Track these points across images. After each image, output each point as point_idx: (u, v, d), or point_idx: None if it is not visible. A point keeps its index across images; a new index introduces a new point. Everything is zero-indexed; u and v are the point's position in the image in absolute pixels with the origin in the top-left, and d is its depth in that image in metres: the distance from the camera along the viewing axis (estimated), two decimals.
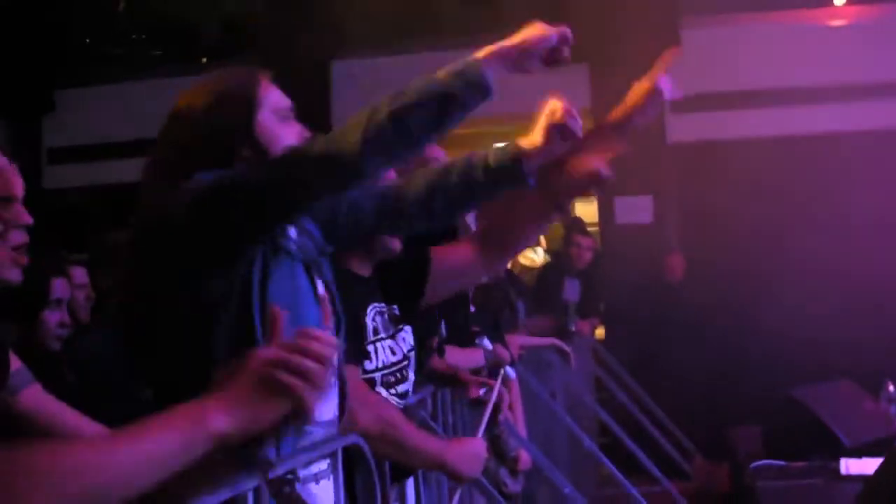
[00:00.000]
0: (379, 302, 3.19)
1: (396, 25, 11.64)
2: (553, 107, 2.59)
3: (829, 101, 10.31)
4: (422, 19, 11.73)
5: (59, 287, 3.71)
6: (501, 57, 2.34)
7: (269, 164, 2.27)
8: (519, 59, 2.38)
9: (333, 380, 2.41)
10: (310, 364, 1.58)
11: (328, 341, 1.62)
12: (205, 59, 12.58)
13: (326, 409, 2.40)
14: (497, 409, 4.32)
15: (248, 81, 2.43)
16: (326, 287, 2.45)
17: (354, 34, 11.59)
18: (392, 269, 3.20)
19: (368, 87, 11.00)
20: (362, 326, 3.07)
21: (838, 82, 10.32)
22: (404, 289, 3.22)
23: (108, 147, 11.54)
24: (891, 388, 8.06)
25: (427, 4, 11.74)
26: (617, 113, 2.90)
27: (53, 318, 3.69)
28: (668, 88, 2.95)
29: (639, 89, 2.90)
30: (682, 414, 9.29)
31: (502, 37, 2.44)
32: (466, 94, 2.25)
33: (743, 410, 8.96)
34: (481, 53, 2.32)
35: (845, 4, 11.06)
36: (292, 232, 2.37)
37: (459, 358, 4.62)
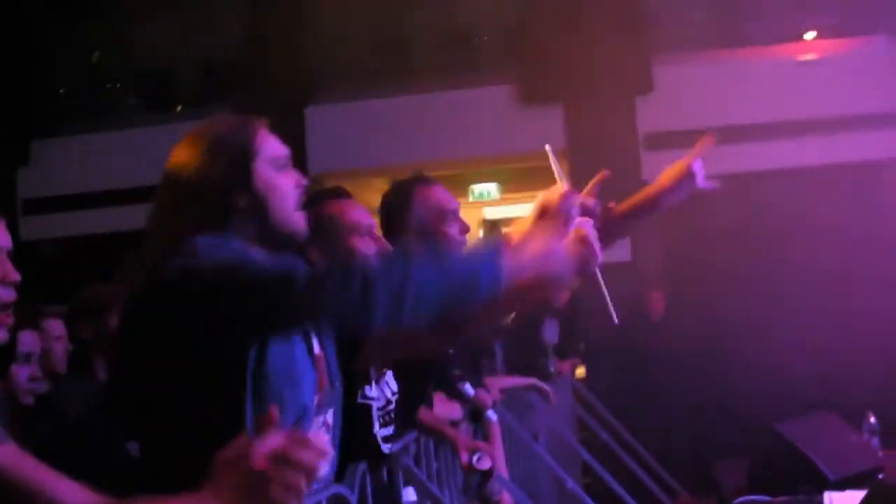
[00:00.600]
0: None
1: (370, 70, 11.70)
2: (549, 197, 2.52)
3: (807, 134, 10.38)
4: (396, 63, 11.79)
5: (27, 340, 3.66)
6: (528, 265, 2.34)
7: (282, 281, 2.16)
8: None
9: (329, 439, 2.42)
10: (298, 479, 1.61)
11: (319, 451, 1.64)
12: (180, 107, 12.59)
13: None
14: (490, 475, 4.34)
15: (242, 131, 2.40)
16: (322, 345, 2.44)
17: (329, 79, 11.63)
18: None
19: (343, 132, 11.09)
20: None
21: (815, 116, 10.40)
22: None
23: (85, 197, 11.51)
24: (872, 419, 8.07)
25: (401, 48, 11.81)
26: (649, 192, 2.95)
27: (23, 372, 3.64)
28: (702, 173, 3.01)
29: (674, 170, 2.96)
30: (665, 451, 9.26)
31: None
32: (481, 288, 2.23)
33: (726, 446, 8.95)
34: (512, 249, 2.29)
35: (815, 39, 11.17)
36: None
37: (439, 410, 4.61)
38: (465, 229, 3.64)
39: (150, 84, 12.68)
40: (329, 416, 2.48)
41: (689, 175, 2.98)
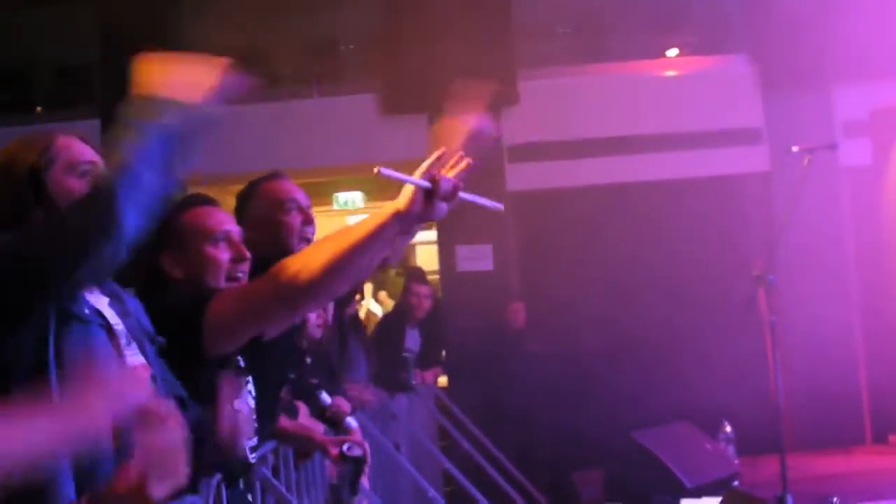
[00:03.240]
0: None
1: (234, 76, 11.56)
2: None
3: (664, 149, 10.58)
4: (260, 70, 11.67)
5: None
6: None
7: (34, 234, 2.20)
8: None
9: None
10: (169, 462, 1.61)
11: (171, 426, 1.62)
12: (39, 108, 12.30)
13: None
14: (363, 462, 4.31)
15: (35, 143, 2.40)
16: (148, 364, 2.40)
17: None
18: None
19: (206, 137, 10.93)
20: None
21: (672, 131, 10.62)
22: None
23: None
24: (728, 428, 8.28)
25: (265, 56, 11.69)
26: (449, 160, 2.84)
27: None
28: (488, 126, 2.90)
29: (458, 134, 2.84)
30: (526, 460, 9.33)
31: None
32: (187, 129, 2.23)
33: (586, 454, 9.08)
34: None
35: (677, 56, 11.41)
36: (88, 298, 2.32)
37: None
38: (307, 220, 3.63)
39: (7, 85, 12.36)
40: None
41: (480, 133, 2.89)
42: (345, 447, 4.31)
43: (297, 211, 3.63)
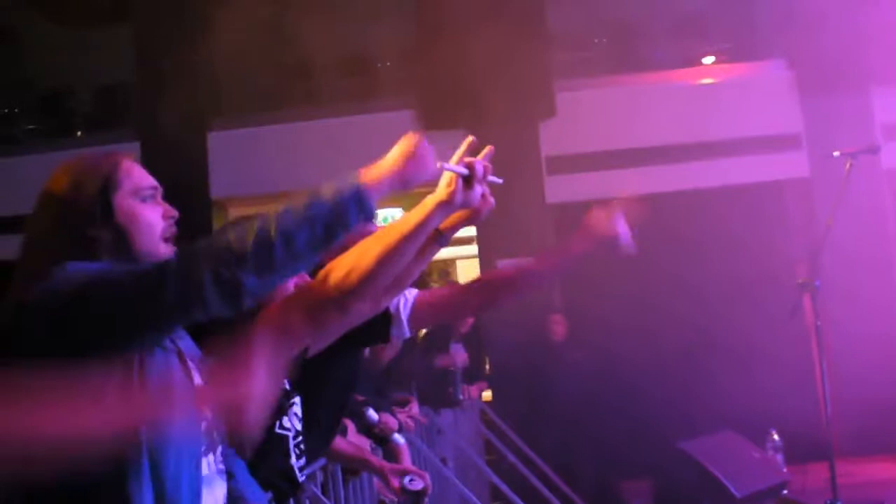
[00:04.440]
0: None
1: (273, 94, 11.63)
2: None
3: (702, 157, 10.55)
4: (296, 89, 11.73)
5: None
6: (385, 184, 2.35)
7: (134, 280, 2.17)
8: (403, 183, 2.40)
9: (221, 467, 2.38)
10: None
11: None
12: (80, 132, 12.41)
13: (212, 497, 2.35)
14: (423, 495, 4.33)
15: (103, 165, 2.40)
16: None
17: (230, 104, 11.54)
18: None
19: (244, 158, 11.00)
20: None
21: (710, 139, 10.58)
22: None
23: None
24: (775, 436, 8.22)
25: (301, 74, 11.76)
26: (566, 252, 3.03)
27: None
28: (626, 236, 3.09)
29: (594, 230, 3.02)
30: (572, 472, 9.31)
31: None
32: (353, 216, 2.24)
33: (632, 465, 9.04)
34: (366, 177, 2.31)
35: (713, 63, 11.38)
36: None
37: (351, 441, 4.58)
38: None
39: (48, 109, 12.49)
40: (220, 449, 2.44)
41: (611, 239, 3.06)
42: (406, 480, 4.34)
43: None
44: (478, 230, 10.44)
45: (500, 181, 2.73)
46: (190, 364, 2.37)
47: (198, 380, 2.37)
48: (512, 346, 9.89)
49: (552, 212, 10.59)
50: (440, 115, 10.41)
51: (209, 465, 2.35)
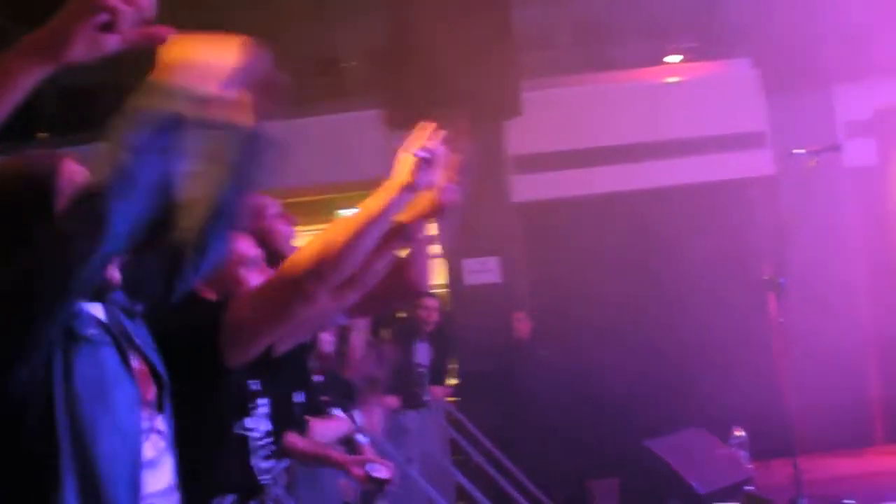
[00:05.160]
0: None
1: None
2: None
3: (668, 156, 10.59)
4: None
5: None
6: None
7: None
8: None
9: (165, 446, 2.35)
10: None
11: None
12: (45, 134, 12.33)
13: (159, 478, 2.33)
14: (387, 483, 4.32)
15: (41, 166, 2.33)
16: (143, 357, 2.38)
17: None
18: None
19: None
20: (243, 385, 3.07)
21: (677, 137, 10.62)
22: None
23: None
24: (739, 433, 8.25)
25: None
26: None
27: None
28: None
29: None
30: (539, 472, 9.31)
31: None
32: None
33: (599, 464, 9.07)
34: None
35: (680, 62, 11.42)
36: (90, 312, 2.29)
37: (323, 431, 4.56)
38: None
39: (11, 111, 12.38)
40: (160, 423, 2.41)
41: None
42: (368, 468, 4.32)
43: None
44: (441, 229, 10.43)
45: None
46: (128, 350, 2.32)
47: (137, 364, 2.33)
48: (479, 345, 9.88)
49: (517, 211, 10.60)
50: (407, 115, 10.38)
51: (153, 446, 2.32)
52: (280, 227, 3.70)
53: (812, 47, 10.11)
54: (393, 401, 7.16)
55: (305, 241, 2.88)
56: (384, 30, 11.07)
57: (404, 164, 2.73)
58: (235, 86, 2.24)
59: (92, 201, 2.04)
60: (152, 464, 2.29)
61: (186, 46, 2.15)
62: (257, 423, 3.24)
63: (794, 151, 6.64)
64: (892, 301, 10.03)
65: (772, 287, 6.78)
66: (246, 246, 3.14)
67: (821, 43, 10.06)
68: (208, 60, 2.17)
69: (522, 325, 9.98)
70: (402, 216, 2.98)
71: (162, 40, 2.08)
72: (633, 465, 7.30)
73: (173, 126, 2.09)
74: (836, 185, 9.91)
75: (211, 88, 2.14)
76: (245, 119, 2.43)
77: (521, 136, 10.65)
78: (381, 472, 4.32)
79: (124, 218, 2.05)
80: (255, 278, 3.09)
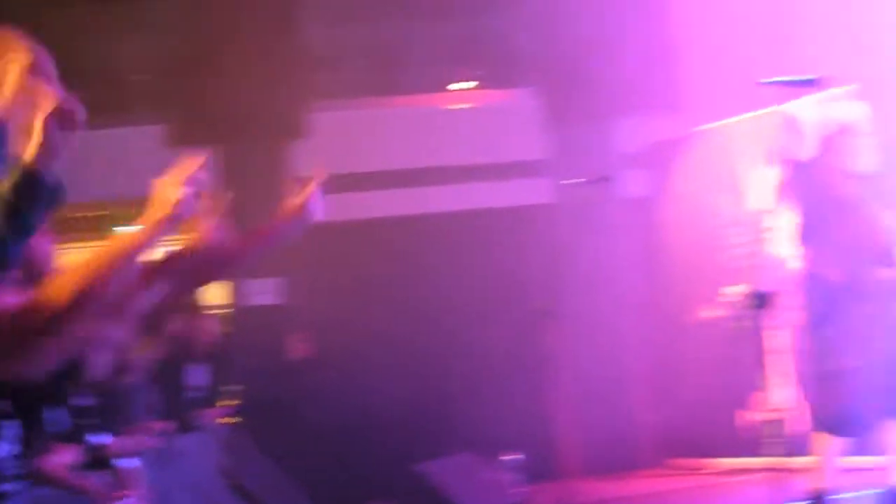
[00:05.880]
0: None
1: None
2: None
3: (452, 181, 10.72)
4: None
5: None
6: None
7: None
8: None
9: None
10: None
11: None
12: None
13: None
14: None
15: None
16: None
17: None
18: None
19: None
20: None
21: (460, 163, 10.77)
22: None
23: None
24: (510, 457, 8.40)
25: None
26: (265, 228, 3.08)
27: None
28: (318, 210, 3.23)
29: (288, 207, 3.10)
30: (317, 496, 9.26)
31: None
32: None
33: (375, 488, 9.07)
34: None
35: (465, 90, 11.60)
36: None
37: (75, 456, 4.44)
38: None
39: None
40: None
41: (303, 213, 3.19)
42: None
43: None
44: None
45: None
46: None
47: None
48: (259, 367, 9.78)
49: (305, 231, 10.54)
50: (192, 132, 10.24)
51: None
52: (40, 243, 3.58)
53: (592, 82, 10.41)
54: (163, 425, 7.02)
55: (73, 258, 2.79)
56: (173, 43, 10.88)
57: (168, 195, 2.67)
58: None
59: None
60: None
61: None
62: (1, 446, 3.12)
63: (564, 182, 6.82)
64: (663, 330, 10.37)
65: (544, 314, 6.93)
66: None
67: (601, 78, 10.37)
68: None
69: (300, 346, 9.94)
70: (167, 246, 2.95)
71: None
72: (407, 490, 7.35)
73: None
74: (611, 214, 10.22)
75: None
76: (29, 150, 2.33)
77: (309, 157, 10.62)
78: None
79: None
80: (9, 297, 2.97)
